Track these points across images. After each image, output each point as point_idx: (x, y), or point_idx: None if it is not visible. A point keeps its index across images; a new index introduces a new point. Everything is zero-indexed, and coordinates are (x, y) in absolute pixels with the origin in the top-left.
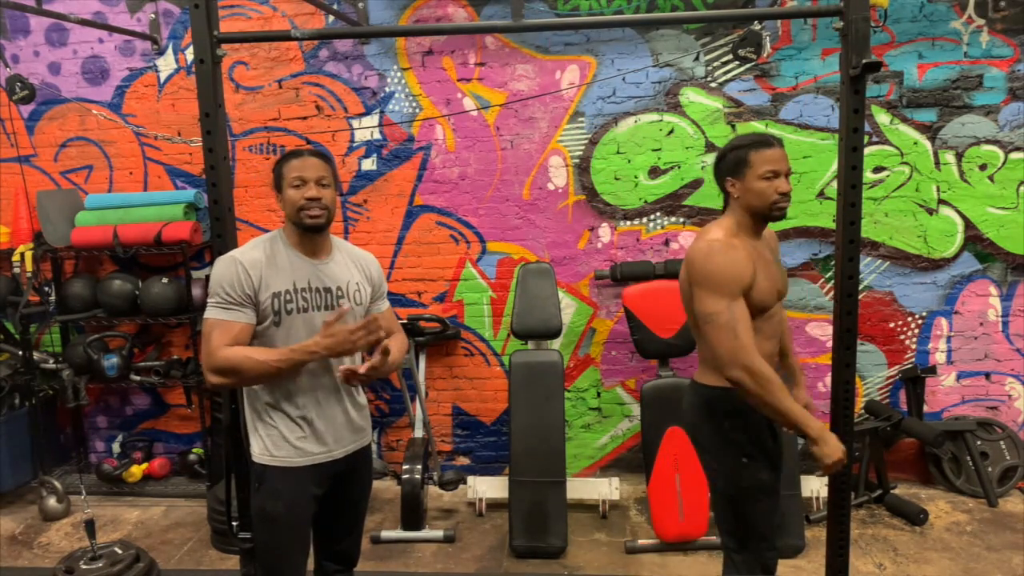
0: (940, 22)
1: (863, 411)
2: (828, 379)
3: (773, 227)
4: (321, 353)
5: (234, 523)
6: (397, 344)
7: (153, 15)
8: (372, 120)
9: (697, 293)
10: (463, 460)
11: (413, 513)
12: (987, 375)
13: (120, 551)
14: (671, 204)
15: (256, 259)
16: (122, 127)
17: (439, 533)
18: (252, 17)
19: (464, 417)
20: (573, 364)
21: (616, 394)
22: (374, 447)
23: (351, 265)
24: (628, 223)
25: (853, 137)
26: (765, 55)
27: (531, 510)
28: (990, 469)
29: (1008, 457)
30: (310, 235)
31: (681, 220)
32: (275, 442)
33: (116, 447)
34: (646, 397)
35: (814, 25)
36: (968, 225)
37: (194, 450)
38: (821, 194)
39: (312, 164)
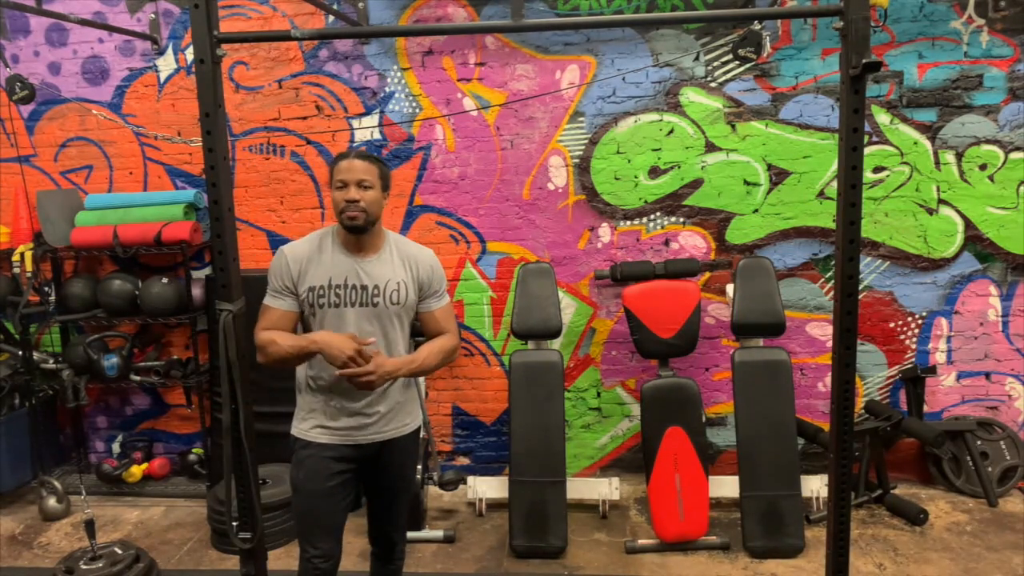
0: (940, 22)
1: (863, 411)
2: (828, 379)
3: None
4: (322, 350)
5: (234, 523)
6: (431, 348)
7: (153, 15)
8: (372, 120)
9: None
10: (463, 460)
11: (413, 513)
12: (987, 375)
13: (120, 551)
14: (671, 204)
15: (301, 253)
16: (122, 127)
17: (439, 533)
18: (252, 17)
19: (464, 417)
20: (573, 364)
21: (616, 394)
22: None
23: (398, 264)
24: (628, 223)
25: (853, 137)
26: (765, 55)
27: (531, 510)
28: (990, 469)
29: (1008, 457)
30: (354, 234)
31: (681, 220)
32: (303, 416)
33: (116, 447)
34: (646, 397)
35: (814, 25)
36: (968, 225)
37: (194, 450)
38: (821, 194)
39: (355, 167)
